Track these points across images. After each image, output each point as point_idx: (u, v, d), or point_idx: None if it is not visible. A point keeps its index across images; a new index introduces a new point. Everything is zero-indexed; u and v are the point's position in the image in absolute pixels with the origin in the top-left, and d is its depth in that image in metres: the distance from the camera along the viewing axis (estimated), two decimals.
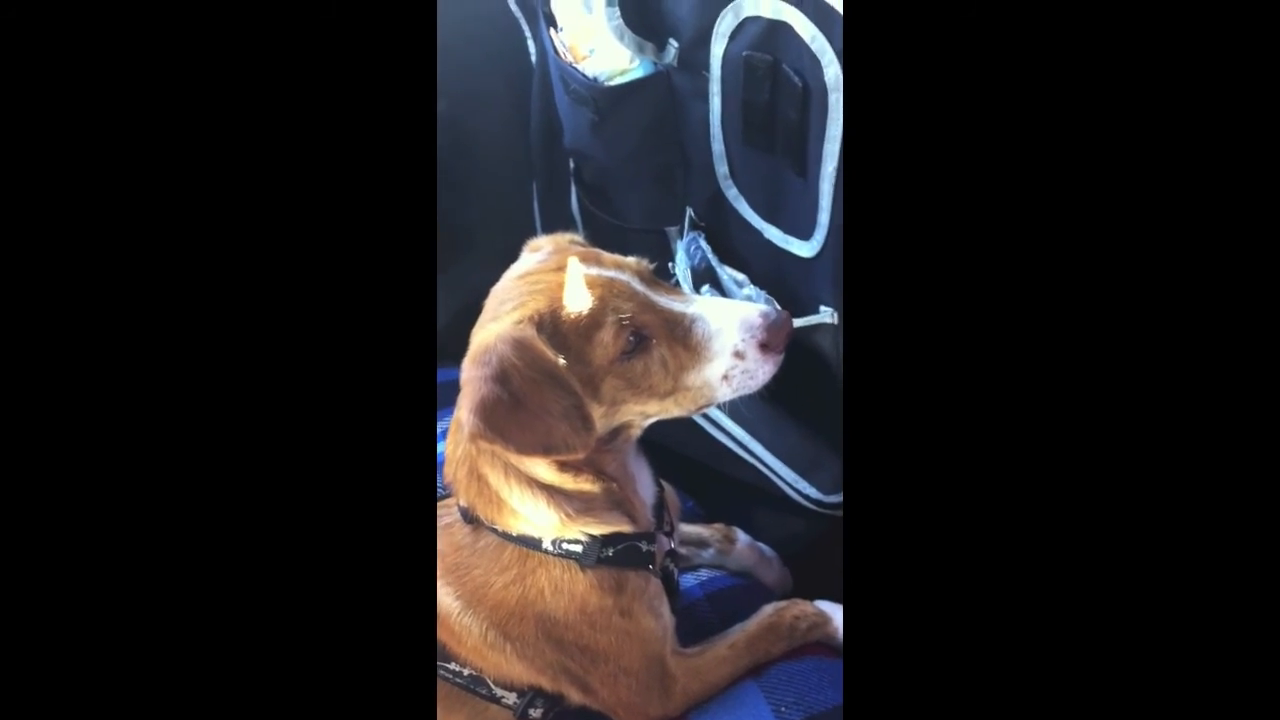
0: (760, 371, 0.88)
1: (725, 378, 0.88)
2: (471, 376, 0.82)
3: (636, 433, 0.95)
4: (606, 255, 0.91)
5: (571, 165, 1.52)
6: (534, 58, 1.52)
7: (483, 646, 0.94)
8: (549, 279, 0.87)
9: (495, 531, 0.93)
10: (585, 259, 0.89)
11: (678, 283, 1.30)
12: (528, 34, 1.52)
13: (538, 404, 0.81)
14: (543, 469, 0.89)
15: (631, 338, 0.85)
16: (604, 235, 1.46)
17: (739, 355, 0.87)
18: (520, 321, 0.83)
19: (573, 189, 1.57)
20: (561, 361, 0.82)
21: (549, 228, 1.59)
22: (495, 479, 0.91)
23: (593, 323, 0.84)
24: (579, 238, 0.99)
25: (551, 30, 1.32)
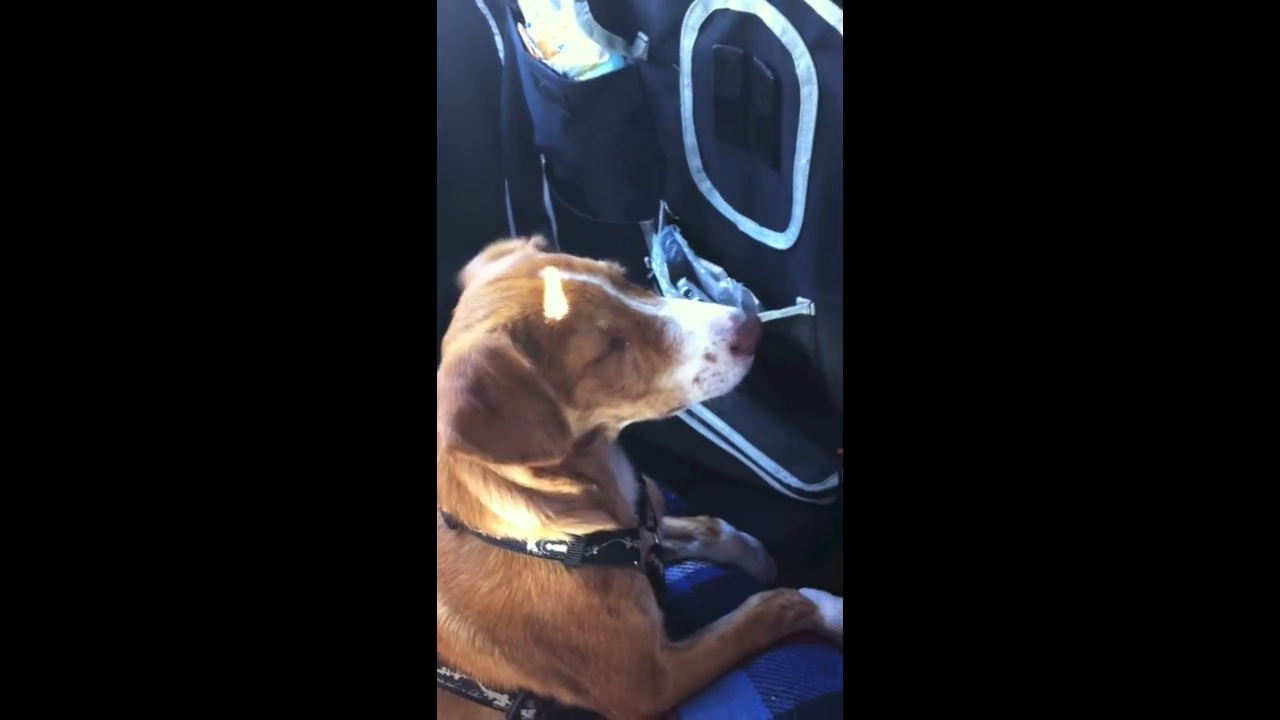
0: (731, 373, 0.89)
1: (696, 380, 0.88)
2: (447, 388, 0.81)
3: (613, 435, 0.95)
4: (577, 260, 0.91)
5: (543, 162, 1.52)
6: (502, 55, 1.51)
7: (471, 651, 0.94)
8: (520, 285, 0.87)
9: (479, 536, 0.93)
10: (555, 264, 0.88)
11: (654, 277, 1.30)
12: (495, 31, 1.51)
13: (513, 412, 0.81)
14: (520, 474, 0.89)
15: (605, 342, 0.85)
16: (578, 232, 1.46)
17: (710, 358, 0.88)
18: (494, 330, 0.83)
19: (545, 186, 1.56)
20: (535, 368, 0.82)
21: (522, 225, 1.58)
22: (474, 485, 0.91)
23: (567, 328, 0.84)
24: (543, 240, 0.99)
25: (520, 26, 1.31)
